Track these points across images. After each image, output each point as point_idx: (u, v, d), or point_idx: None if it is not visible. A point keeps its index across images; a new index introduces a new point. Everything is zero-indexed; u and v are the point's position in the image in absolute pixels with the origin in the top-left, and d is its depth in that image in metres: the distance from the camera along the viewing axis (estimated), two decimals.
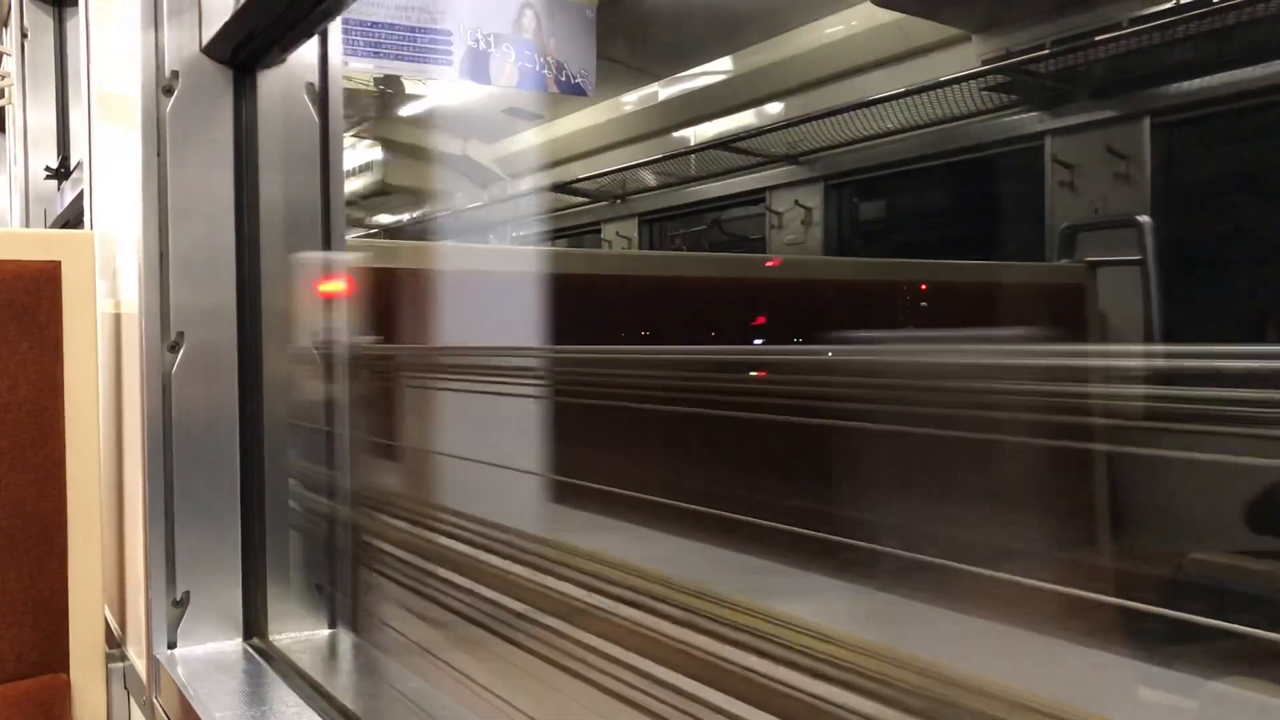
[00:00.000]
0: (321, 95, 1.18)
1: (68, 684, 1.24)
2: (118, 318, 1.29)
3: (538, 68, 4.58)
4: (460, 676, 0.99)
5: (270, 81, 1.16)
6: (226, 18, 1.07)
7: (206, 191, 1.13)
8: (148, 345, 1.12)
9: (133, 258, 1.17)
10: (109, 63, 1.35)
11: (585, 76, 4.74)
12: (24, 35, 2.51)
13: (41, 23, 2.50)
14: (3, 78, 2.92)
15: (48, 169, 2.34)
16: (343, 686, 1.05)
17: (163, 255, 1.12)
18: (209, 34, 1.11)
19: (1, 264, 1.22)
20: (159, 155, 1.12)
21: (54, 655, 1.24)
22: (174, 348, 1.12)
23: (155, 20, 1.12)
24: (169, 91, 1.12)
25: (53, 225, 2.45)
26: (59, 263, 1.24)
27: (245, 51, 1.12)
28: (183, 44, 1.12)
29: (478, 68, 4.51)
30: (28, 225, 2.49)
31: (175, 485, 1.11)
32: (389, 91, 6.33)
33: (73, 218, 2.35)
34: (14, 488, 1.21)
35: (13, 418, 1.21)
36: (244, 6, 1.02)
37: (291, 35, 1.09)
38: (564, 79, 4.67)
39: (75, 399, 1.23)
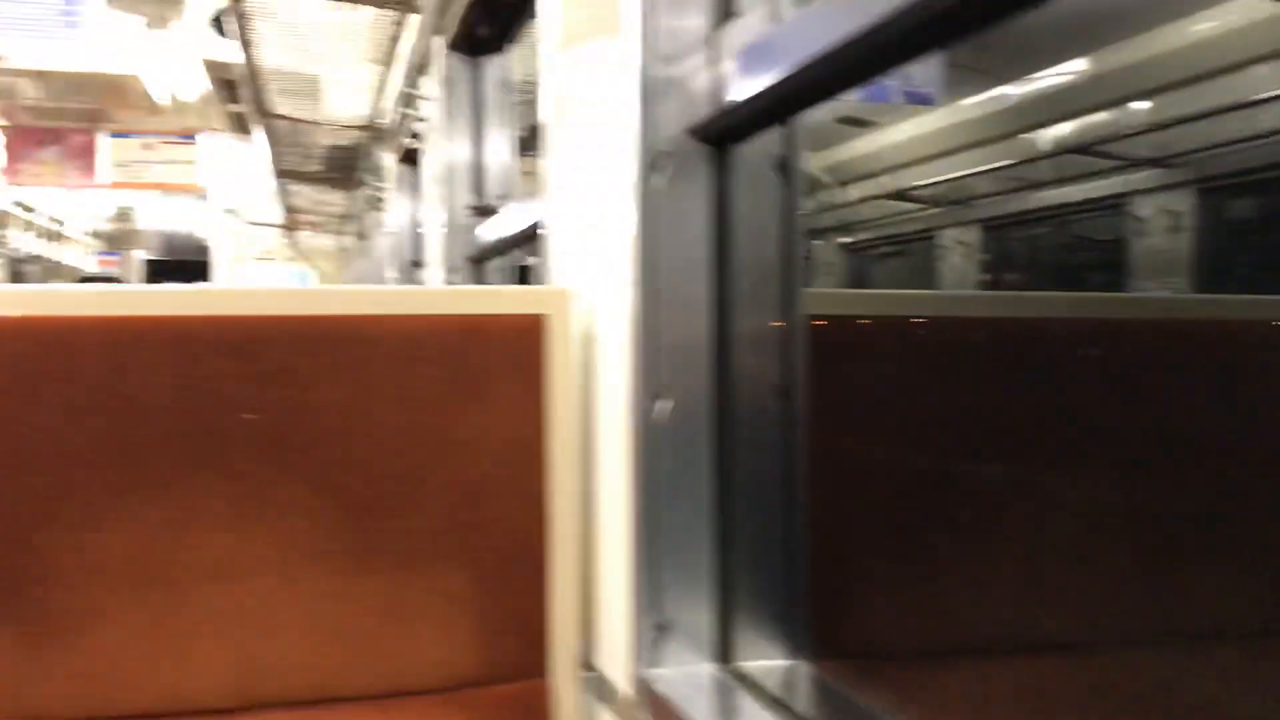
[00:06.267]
0: (784, 165, 1.27)
1: (547, 689, 1.40)
2: (597, 366, 1.44)
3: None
4: None
5: (740, 155, 1.26)
6: (712, 108, 1.19)
7: (686, 255, 1.25)
8: (634, 395, 1.25)
9: (616, 312, 1.31)
10: (588, 138, 1.50)
11: (932, 84, 4.67)
12: (445, 84, 2.81)
13: (460, 72, 2.79)
14: (423, 120, 3.27)
15: (469, 207, 2.63)
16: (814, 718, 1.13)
17: (647, 313, 1.25)
18: (694, 118, 1.23)
19: (499, 318, 1.40)
20: (644, 224, 1.25)
21: (536, 663, 1.41)
22: (656, 397, 1.25)
23: (644, 104, 1.25)
24: (656, 167, 1.24)
25: (471, 256, 2.73)
26: (543, 316, 1.41)
27: (723, 132, 1.23)
28: (667, 125, 1.25)
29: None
30: (450, 251, 2.78)
31: (661, 523, 1.24)
32: None
33: (489, 250, 2.62)
34: (510, 513, 1.39)
35: (510, 451, 1.39)
36: (737, 104, 1.14)
37: (771, 122, 1.19)
38: (910, 88, 4.63)
39: (558, 437, 1.40)
